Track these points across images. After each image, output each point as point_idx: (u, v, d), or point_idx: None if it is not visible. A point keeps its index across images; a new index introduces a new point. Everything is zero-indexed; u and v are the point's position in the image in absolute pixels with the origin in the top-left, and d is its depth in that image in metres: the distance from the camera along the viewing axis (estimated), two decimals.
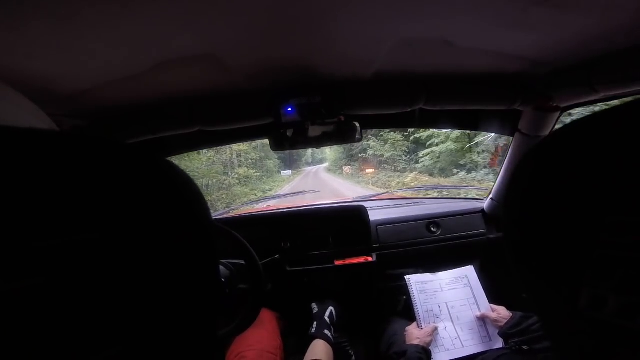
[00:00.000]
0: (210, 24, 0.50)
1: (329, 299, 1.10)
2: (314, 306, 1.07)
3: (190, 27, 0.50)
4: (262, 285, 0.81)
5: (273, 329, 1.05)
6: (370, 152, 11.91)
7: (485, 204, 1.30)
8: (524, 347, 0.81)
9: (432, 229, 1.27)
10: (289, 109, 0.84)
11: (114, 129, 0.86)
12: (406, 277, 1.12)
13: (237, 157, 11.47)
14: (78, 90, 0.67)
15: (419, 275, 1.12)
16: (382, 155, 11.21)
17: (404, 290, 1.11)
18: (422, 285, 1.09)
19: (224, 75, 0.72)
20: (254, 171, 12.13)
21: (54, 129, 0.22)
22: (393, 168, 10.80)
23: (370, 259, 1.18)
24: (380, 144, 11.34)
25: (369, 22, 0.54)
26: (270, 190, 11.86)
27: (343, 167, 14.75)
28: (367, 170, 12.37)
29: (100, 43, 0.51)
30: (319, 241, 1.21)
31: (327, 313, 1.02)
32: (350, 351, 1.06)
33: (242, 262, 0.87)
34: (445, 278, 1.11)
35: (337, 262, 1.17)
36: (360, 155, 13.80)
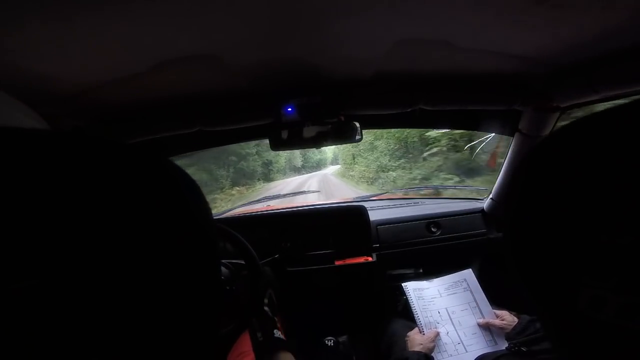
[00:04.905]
0: (211, 24, 0.50)
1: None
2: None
3: (191, 27, 0.50)
4: (262, 284, 0.81)
5: None
6: None
7: (485, 204, 1.29)
8: (522, 348, 0.80)
9: (432, 229, 1.27)
10: (289, 109, 0.84)
11: (114, 129, 0.86)
12: (403, 284, 1.11)
13: None
14: (78, 90, 0.67)
15: (415, 282, 1.11)
16: None
17: (404, 290, 1.11)
18: (419, 292, 1.08)
19: (224, 76, 0.72)
20: None
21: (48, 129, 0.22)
22: None
23: (370, 258, 1.18)
24: None
25: (369, 22, 0.54)
26: None
27: None
28: None
29: (100, 43, 0.51)
30: (319, 241, 1.21)
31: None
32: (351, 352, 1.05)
33: (242, 262, 0.87)
34: (443, 284, 1.10)
35: (337, 262, 1.17)
36: None
